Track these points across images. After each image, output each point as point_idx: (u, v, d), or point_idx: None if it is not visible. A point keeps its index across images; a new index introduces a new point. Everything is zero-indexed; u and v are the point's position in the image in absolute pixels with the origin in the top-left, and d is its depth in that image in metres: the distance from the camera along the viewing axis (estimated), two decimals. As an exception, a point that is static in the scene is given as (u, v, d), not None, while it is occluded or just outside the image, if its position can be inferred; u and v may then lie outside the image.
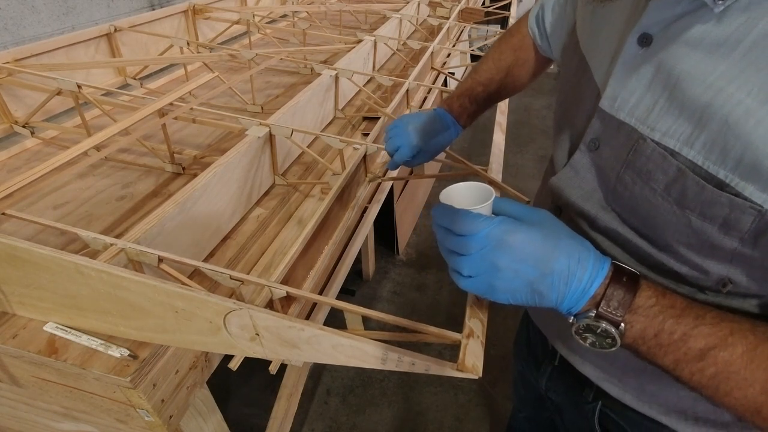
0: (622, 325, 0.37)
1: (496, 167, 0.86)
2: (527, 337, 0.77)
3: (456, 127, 0.77)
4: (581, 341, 0.40)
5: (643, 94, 0.41)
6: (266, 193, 0.92)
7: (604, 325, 0.38)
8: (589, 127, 0.47)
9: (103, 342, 0.54)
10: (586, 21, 0.52)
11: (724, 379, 0.36)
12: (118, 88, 1.12)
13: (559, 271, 0.38)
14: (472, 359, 0.44)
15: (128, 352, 0.53)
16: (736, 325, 0.36)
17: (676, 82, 0.38)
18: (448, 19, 1.94)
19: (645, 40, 0.41)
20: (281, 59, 1.35)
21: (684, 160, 0.38)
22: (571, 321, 0.40)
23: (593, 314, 0.38)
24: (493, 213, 0.43)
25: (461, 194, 0.46)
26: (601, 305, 0.38)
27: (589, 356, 0.57)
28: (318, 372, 1.67)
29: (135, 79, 1.37)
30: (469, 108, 0.77)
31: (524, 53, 0.75)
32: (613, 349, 0.39)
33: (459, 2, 2.20)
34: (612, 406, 0.58)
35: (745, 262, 0.39)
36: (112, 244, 0.58)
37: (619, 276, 0.38)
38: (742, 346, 0.35)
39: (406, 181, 2.04)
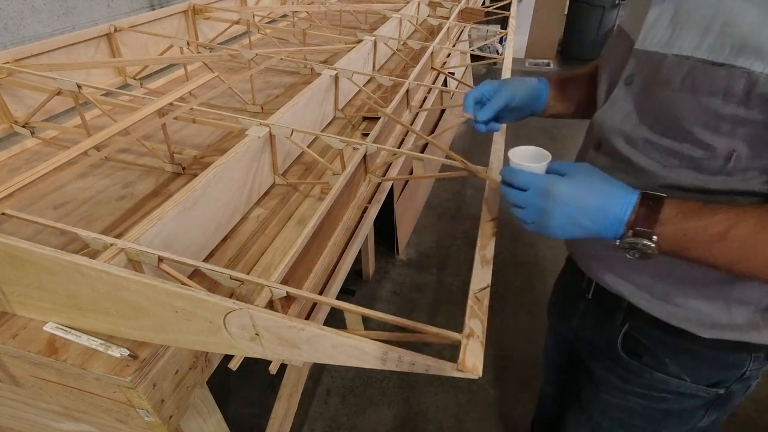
0: (655, 236, 0.49)
1: (496, 167, 0.86)
2: (564, 287, 0.90)
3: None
4: (629, 257, 0.52)
5: (665, 27, 0.54)
6: (266, 193, 0.92)
7: (643, 240, 0.50)
8: (625, 67, 0.60)
9: (103, 342, 0.54)
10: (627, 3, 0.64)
11: (751, 248, 0.47)
12: (118, 88, 1.12)
13: (595, 206, 0.51)
14: (472, 359, 0.44)
15: (128, 352, 0.53)
16: (744, 207, 0.49)
17: (687, 10, 0.52)
18: (448, 19, 1.94)
19: None
20: (281, 59, 1.35)
21: (694, 60, 0.51)
22: (617, 243, 0.52)
23: (631, 233, 0.50)
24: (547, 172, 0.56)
25: (525, 154, 0.60)
26: (636, 226, 0.50)
27: (622, 272, 0.67)
28: (318, 372, 1.67)
29: (135, 79, 1.37)
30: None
31: None
32: (654, 257, 0.50)
33: (459, 2, 2.20)
34: (638, 326, 0.69)
35: (744, 132, 0.50)
36: (112, 244, 0.58)
37: (645, 201, 0.50)
38: (753, 218, 0.47)
39: (406, 181, 2.04)
